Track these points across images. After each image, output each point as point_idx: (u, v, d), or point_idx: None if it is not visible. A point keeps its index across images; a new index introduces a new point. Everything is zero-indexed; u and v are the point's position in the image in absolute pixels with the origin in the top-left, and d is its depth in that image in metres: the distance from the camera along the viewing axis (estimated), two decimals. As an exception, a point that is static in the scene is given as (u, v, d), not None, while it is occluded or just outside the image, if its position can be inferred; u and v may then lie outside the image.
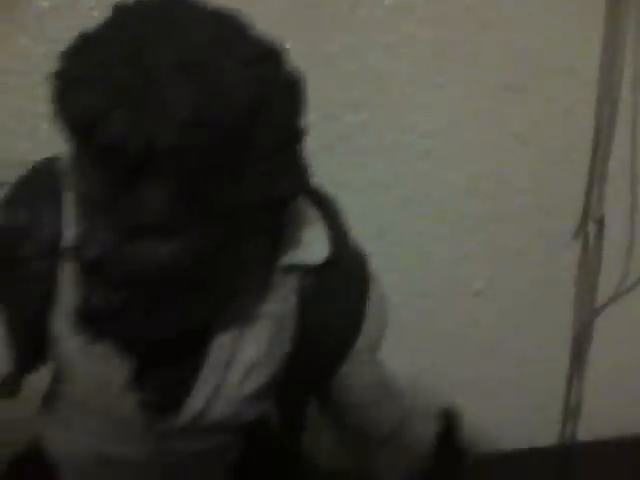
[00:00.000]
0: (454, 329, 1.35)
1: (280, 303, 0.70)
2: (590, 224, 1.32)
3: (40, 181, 0.66)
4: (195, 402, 0.70)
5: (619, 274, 1.38)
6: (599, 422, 1.52)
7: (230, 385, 0.71)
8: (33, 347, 0.72)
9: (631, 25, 1.19)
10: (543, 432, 1.53)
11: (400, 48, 1.14)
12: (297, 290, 0.70)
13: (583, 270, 1.37)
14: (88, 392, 0.72)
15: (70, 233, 0.63)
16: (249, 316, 0.69)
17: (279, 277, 0.69)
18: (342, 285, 0.72)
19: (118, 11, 0.54)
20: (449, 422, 0.66)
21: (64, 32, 0.55)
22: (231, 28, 0.55)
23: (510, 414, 1.48)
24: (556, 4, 1.17)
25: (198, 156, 0.51)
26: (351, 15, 1.10)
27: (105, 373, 0.70)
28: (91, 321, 0.62)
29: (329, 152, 1.13)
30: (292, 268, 0.69)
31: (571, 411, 1.53)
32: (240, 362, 0.70)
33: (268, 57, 0.55)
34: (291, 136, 0.58)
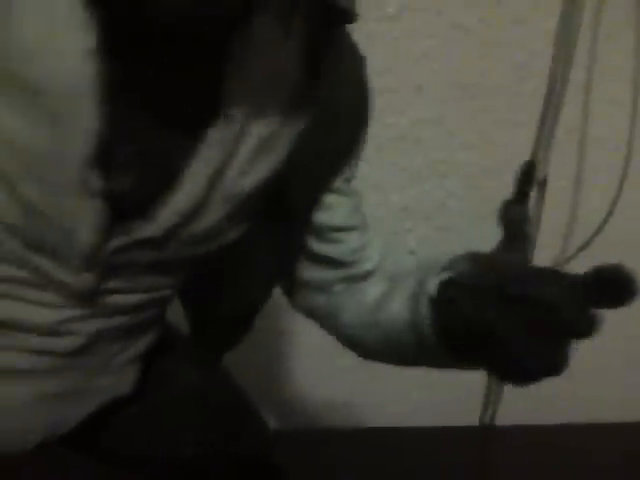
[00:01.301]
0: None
1: (293, 63, 0.53)
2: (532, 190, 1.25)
3: None
4: (191, 185, 0.51)
5: (557, 249, 1.33)
6: (517, 408, 1.47)
7: (232, 172, 0.53)
8: None
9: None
10: (465, 413, 1.47)
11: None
12: (308, 50, 0.53)
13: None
14: (20, 170, 0.49)
15: None
16: (267, 69, 0.51)
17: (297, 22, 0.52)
18: (351, 57, 0.58)
19: None
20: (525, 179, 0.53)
21: None
22: None
23: (433, 392, 1.42)
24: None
25: None
26: None
27: (55, 139, 0.47)
28: None
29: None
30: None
31: (493, 394, 1.48)
32: (250, 137, 0.52)
33: None
34: None
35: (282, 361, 1.32)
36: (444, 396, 1.43)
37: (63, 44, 0.45)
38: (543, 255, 1.30)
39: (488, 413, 1.49)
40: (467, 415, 1.47)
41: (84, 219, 0.51)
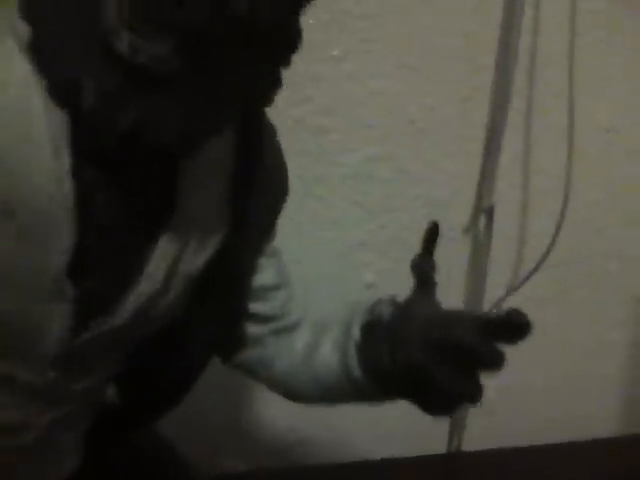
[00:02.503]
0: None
1: (229, 150, 0.61)
2: (481, 218, 1.29)
3: None
4: (153, 275, 0.56)
5: (509, 274, 1.36)
6: (483, 433, 1.49)
7: (186, 257, 0.58)
8: None
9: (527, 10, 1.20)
10: (432, 441, 1.48)
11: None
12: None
13: (473, 268, 1.34)
14: None
15: None
16: (211, 163, 0.58)
17: None
18: (270, 129, 0.67)
19: None
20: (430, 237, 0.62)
21: None
22: None
23: (400, 422, 1.43)
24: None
25: None
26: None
27: (30, 254, 0.49)
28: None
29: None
30: None
31: (457, 421, 1.49)
32: (200, 225, 0.58)
33: None
34: None
35: (243, 401, 1.32)
36: (409, 426, 1.44)
37: (38, 168, 0.47)
38: (495, 280, 1.34)
39: (454, 440, 1.50)
40: (434, 443, 1.48)
41: (53, 323, 0.53)
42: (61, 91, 0.47)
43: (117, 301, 0.55)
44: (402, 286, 1.29)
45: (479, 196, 1.28)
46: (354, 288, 1.26)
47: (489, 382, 1.24)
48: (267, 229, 0.69)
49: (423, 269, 0.62)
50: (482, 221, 1.30)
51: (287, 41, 0.51)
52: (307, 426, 1.37)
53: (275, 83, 0.52)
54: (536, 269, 1.29)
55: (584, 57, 1.24)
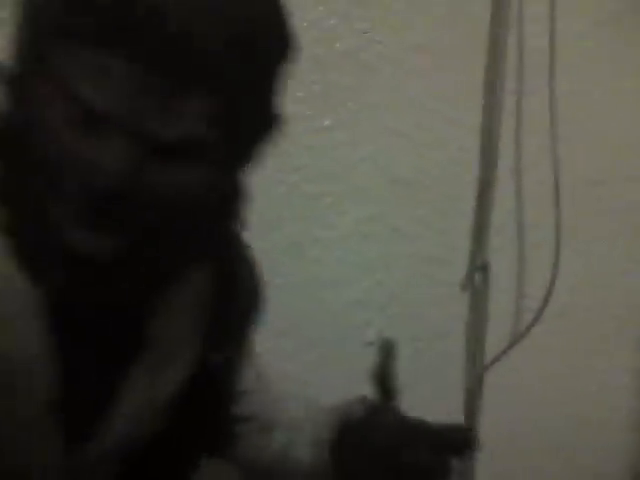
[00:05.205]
0: (344, 382, 1.28)
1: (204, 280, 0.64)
2: (477, 274, 1.32)
3: None
4: (127, 406, 0.59)
5: (508, 328, 1.38)
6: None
7: (160, 385, 0.62)
8: None
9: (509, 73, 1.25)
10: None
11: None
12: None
13: (472, 323, 1.35)
14: None
15: None
16: (185, 297, 0.63)
17: None
18: (243, 252, 0.70)
19: None
20: (386, 353, 0.66)
21: None
22: None
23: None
24: (439, 54, 1.22)
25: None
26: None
27: (12, 397, 0.53)
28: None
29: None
30: None
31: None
32: (171, 352, 0.62)
33: None
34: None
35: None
36: None
37: (18, 325, 0.53)
38: (496, 334, 1.35)
39: None
40: None
41: (41, 454, 0.56)
42: (32, 272, 0.52)
43: (96, 433, 0.59)
44: (401, 342, 1.31)
45: (473, 253, 1.31)
46: (354, 346, 1.27)
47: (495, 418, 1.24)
48: (241, 342, 0.72)
49: (382, 381, 0.66)
50: (478, 277, 1.32)
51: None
52: None
53: (223, 242, 0.61)
54: (535, 321, 1.31)
55: (567, 113, 1.29)
